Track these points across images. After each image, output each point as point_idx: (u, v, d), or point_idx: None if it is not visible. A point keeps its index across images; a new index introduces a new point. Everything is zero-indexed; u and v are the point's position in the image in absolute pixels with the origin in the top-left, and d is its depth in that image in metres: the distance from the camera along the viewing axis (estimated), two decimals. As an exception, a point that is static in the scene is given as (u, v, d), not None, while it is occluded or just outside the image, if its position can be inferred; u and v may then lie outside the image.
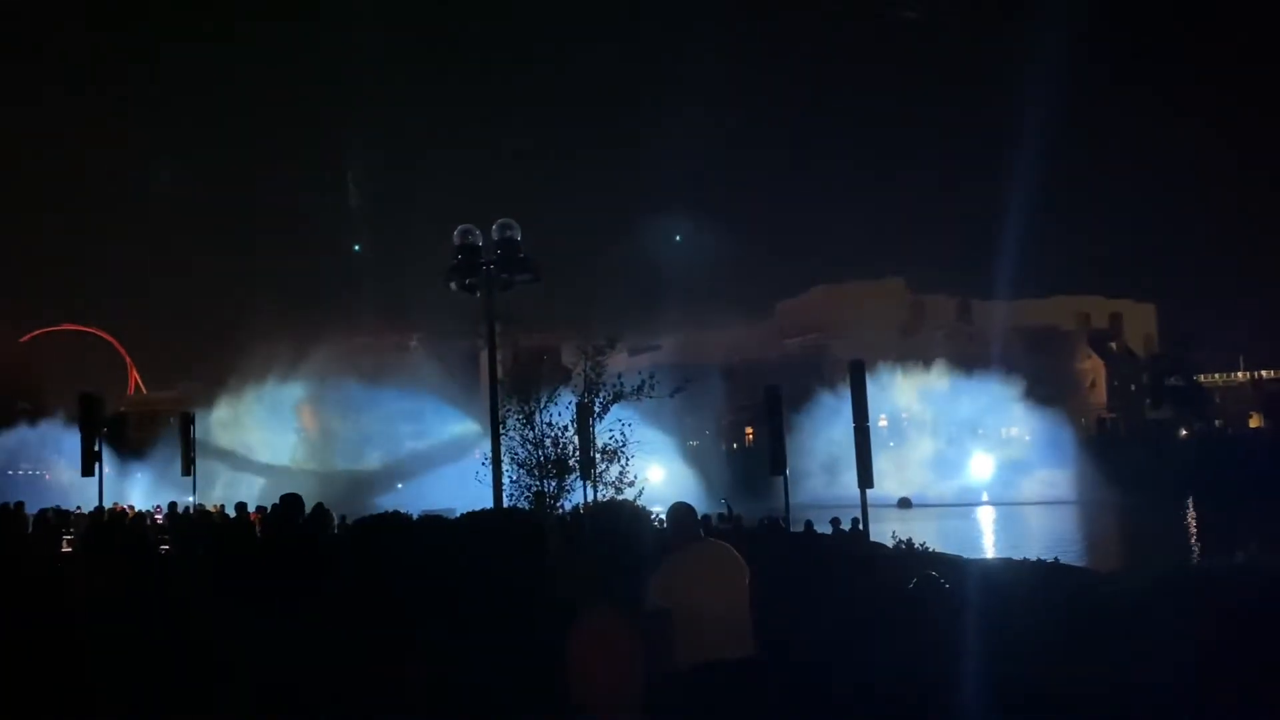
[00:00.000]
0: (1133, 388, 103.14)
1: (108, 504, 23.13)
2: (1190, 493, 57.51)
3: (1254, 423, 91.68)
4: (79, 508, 26.64)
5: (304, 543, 9.18)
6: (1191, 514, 52.34)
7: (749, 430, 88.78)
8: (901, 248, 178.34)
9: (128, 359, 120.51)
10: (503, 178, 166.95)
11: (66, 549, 15.53)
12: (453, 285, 17.11)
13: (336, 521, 20.71)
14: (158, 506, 31.30)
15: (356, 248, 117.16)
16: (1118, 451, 63.23)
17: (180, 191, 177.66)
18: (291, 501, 9.41)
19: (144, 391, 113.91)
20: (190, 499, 27.13)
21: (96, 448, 20.20)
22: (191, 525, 20.26)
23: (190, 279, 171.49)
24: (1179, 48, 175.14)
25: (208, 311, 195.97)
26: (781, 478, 18.32)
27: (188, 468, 26.54)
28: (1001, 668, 6.65)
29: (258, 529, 16.57)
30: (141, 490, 54.12)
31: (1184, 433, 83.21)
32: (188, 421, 27.70)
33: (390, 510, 24.49)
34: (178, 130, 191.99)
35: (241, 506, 20.16)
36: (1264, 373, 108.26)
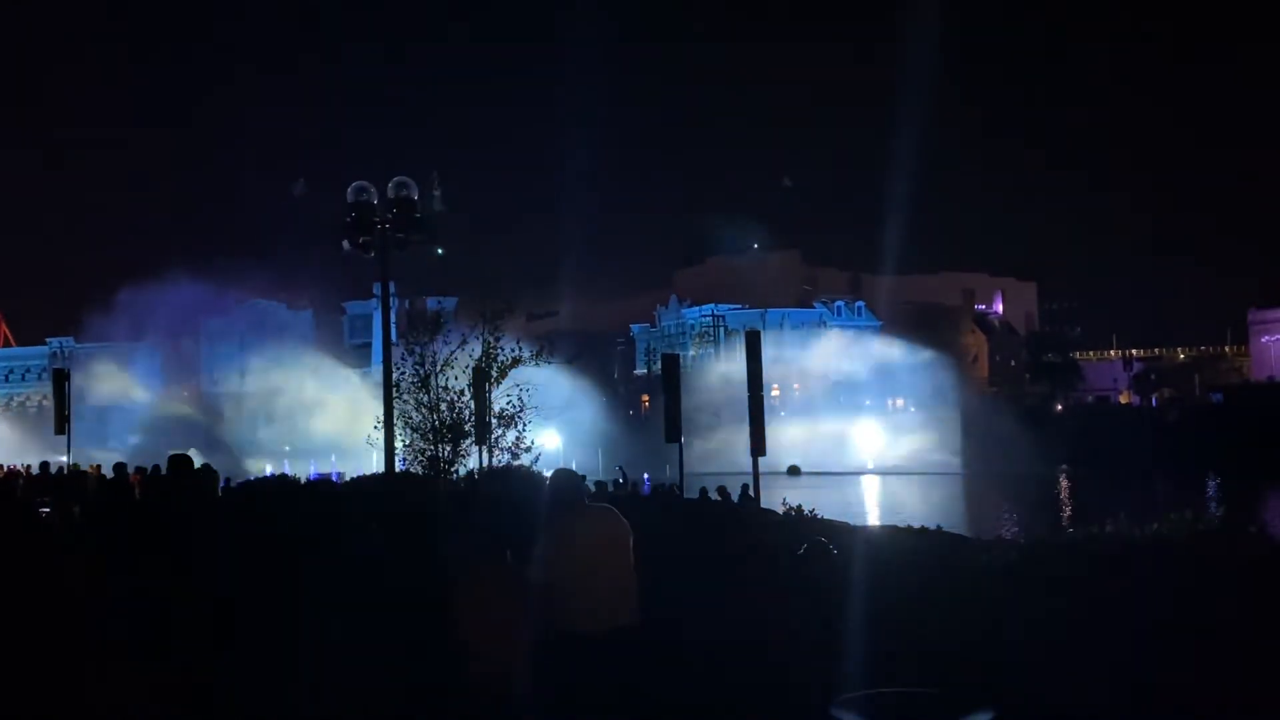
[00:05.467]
0: (1013, 363, 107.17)
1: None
2: (1064, 463, 60.27)
3: (1124, 398, 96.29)
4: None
5: (189, 504, 8.90)
6: (1064, 484, 54.89)
7: (645, 398, 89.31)
8: (798, 223, 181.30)
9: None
10: (402, 137, 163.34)
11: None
12: (345, 244, 16.76)
13: (221, 484, 20.14)
14: (27, 465, 29.93)
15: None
16: (998, 423, 65.58)
17: (59, 135, 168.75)
18: (179, 462, 9.10)
19: (13, 344, 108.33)
20: (64, 459, 26.01)
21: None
22: (65, 486, 19.42)
23: (68, 229, 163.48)
24: (1064, 35, 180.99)
25: (86, 264, 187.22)
26: (677, 445, 18.48)
27: (61, 425, 25.38)
28: (884, 628, 6.88)
29: (137, 491, 16.02)
30: (5, 449, 51.77)
31: (1059, 407, 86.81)
32: (62, 378, 26.48)
33: (277, 474, 24.03)
34: (59, 70, 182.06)
35: (120, 467, 19.40)
36: (1134, 351, 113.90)
